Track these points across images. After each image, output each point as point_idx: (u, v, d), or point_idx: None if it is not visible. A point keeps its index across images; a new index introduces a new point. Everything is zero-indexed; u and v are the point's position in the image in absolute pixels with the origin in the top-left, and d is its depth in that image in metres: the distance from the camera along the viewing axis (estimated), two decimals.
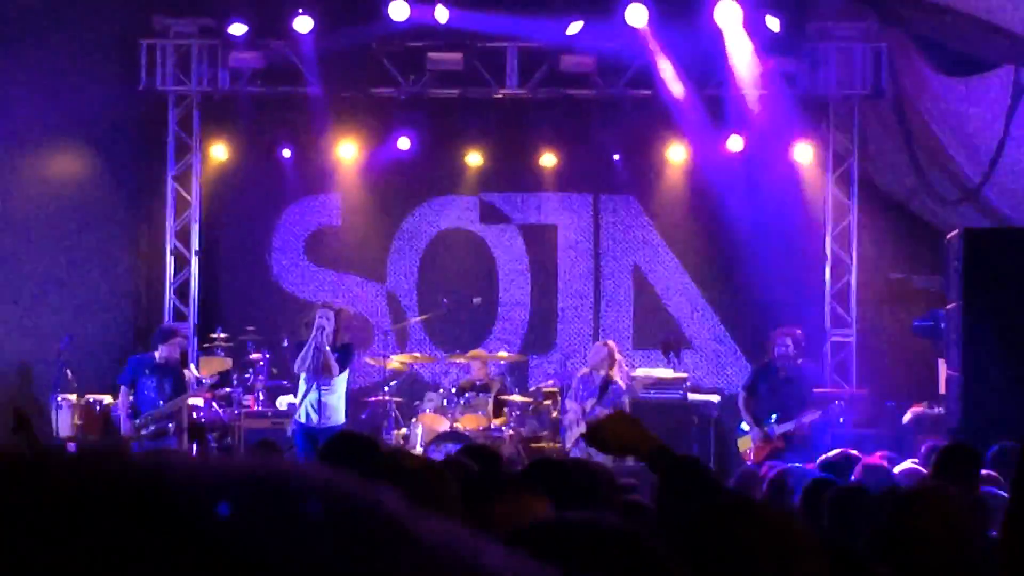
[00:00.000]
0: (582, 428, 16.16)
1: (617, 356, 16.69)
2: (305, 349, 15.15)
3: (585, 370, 16.71)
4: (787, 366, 15.82)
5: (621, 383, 16.51)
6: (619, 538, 1.76)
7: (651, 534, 1.86)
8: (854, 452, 10.38)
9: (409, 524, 0.92)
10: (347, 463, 4.23)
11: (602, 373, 16.40)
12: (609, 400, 16.07)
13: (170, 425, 15.52)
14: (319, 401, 15.09)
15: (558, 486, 6.64)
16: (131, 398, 15.60)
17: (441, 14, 18.46)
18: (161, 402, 15.44)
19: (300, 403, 15.37)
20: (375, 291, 20.58)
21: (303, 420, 15.18)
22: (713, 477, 4.96)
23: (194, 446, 16.54)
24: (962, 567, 4.64)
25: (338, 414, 15.32)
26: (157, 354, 15.64)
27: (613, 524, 1.79)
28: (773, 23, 18.31)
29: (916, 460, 10.77)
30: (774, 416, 15.61)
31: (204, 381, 17.05)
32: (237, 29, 18.80)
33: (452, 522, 0.96)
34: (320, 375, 15.09)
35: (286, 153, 20.08)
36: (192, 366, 17.96)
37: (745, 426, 16.17)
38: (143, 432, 15.45)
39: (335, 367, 15.07)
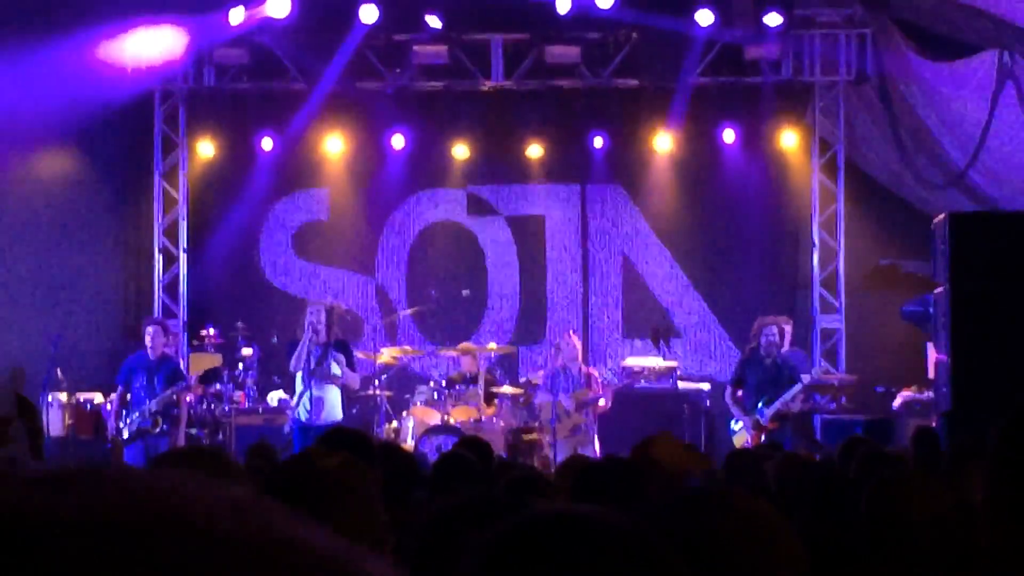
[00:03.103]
0: (578, 418, 16.21)
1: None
2: (299, 348, 15.17)
3: (560, 363, 16.76)
4: (773, 353, 15.84)
5: (595, 371, 16.77)
6: (621, 532, 1.77)
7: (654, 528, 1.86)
8: None
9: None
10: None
11: (580, 365, 16.53)
12: (598, 387, 16.23)
13: (155, 423, 15.36)
14: (314, 398, 15.10)
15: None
16: (127, 398, 15.56)
17: (434, 22, 18.53)
18: (148, 400, 15.39)
19: (297, 402, 15.39)
20: (364, 285, 20.58)
21: (301, 418, 15.20)
22: None
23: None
24: (945, 553, 4.66)
25: (335, 411, 15.34)
26: (149, 352, 15.60)
27: (614, 518, 1.79)
28: (773, 19, 18.32)
29: None
30: (762, 402, 15.63)
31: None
32: (235, 16, 18.57)
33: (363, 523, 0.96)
34: (315, 373, 15.13)
35: (270, 146, 20.01)
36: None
37: (736, 424, 16.18)
38: (126, 433, 15.41)
39: (353, 376, 15.29)
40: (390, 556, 3.63)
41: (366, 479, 3.65)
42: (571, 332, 17.57)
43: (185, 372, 15.88)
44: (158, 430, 15.35)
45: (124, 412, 15.53)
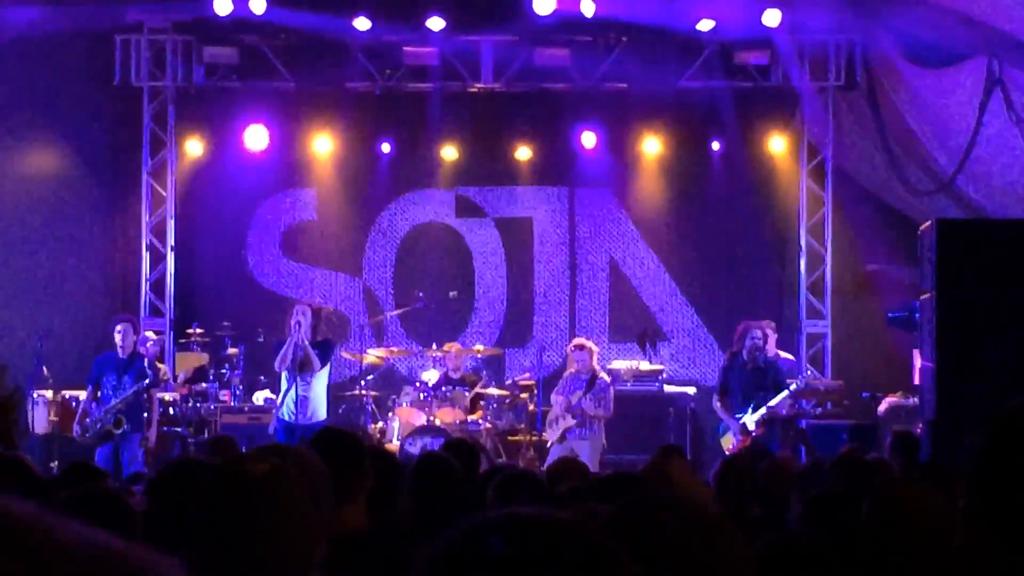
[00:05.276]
0: (568, 421, 16.18)
1: (595, 352, 16.78)
2: (284, 347, 15.15)
3: (574, 369, 16.67)
4: (757, 357, 15.83)
5: (606, 377, 16.55)
6: (568, 531, 1.78)
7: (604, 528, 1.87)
8: None
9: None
10: (331, 458, 4.25)
11: (590, 370, 16.42)
12: (596, 393, 16.14)
13: (117, 422, 15.21)
14: (299, 397, 15.09)
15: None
16: (98, 396, 15.42)
17: (436, 24, 18.53)
18: (115, 399, 15.25)
19: (282, 401, 15.37)
20: (351, 285, 20.58)
21: (285, 417, 15.18)
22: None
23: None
24: (937, 563, 4.67)
25: (319, 410, 15.33)
26: (120, 350, 15.49)
27: (562, 517, 1.80)
28: (771, 18, 18.31)
29: None
30: (750, 407, 15.63)
31: (165, 374, 17.05)
32: (222, 7, 18.48)
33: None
34: (300, 372, 15.10)
35: (260, 146, 20.00)
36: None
37: (723, 427, 16.15)
38: (87, 434, 15.30)
39: (316, 362, 15.09)
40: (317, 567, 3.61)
41: (297, 488, 3.64)
42: (586, 345, 17.25)
43: (150, 370, 15.56)
44: (120, 430, 15.20)
45: (94, 412, 15.39)
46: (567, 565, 1.71)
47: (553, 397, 16.61)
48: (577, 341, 17.10)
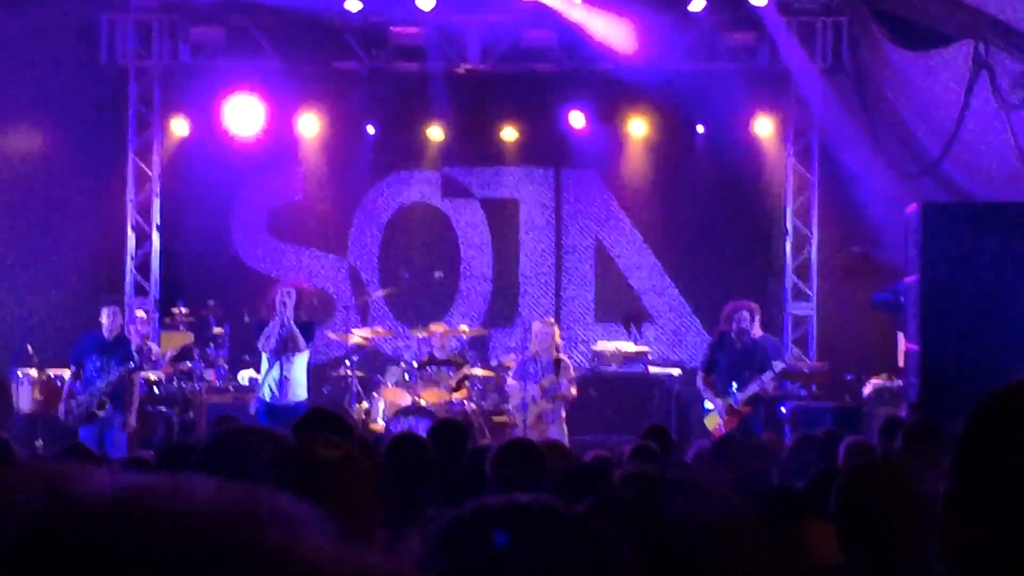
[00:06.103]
0: (545, 405, 16.17)
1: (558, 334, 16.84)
2: (269, 327, 15.11)
3: (533, 350, 16.65)
4: (744, 338, 15.83)
5: (566, 359, 16.63)
6: (559, 518, 1.78)
7: (596, 514, 1.87)
8: None
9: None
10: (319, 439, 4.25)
11: (551, 353, 16.42)
12: (570, 377, 16.17)
13: (101, 404, 15.17)
14: (281, 378, 15.07)
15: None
16: (80, 377, 15.37)
17: (424, 3, 18.45)
18: (100, 382, 15.20)
19: (263, 381, 15.35)
20: (337, 265, 20.57)
21: (266, 397, 15.15)
22: None
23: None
24: (915, 540, 4.69)
25: (300, 390, 15.30)
26: (105, 331, 15.43)
27: (553, 505, 1.81)
28: None
29: None
30: (734, 384, 15.62)
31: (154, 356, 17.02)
32: None
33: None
34: (283, 352, 15.08)
35: (248, 127, 19.96)
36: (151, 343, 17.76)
37: (709, 404, 16.13)
38: (71, 415, 15.25)
39: (301, 341, 15.07)
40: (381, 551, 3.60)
41: (366, 474, 3.63)
42: (547, 319, 17.43)
43: (136, 354, 15.51)
44: (103, 412, 15.15)
45: (79, 393, 15.33)
46: (564, 555, 1.71)
47: (514, 382, 16.55)
48: (550, 320, 17.16)
